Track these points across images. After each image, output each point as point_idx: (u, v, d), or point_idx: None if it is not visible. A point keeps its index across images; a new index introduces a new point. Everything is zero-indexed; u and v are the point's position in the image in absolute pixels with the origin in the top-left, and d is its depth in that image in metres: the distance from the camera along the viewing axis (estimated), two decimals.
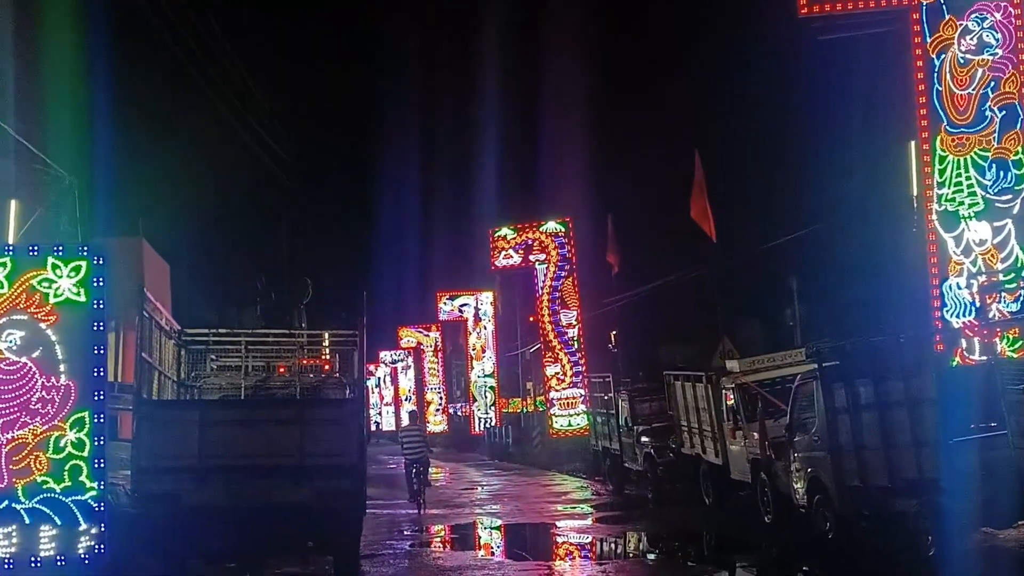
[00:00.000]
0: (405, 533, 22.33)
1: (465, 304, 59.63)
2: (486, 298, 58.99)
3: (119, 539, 13.25)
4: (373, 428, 78.27)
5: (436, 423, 67.89)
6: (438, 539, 21.99)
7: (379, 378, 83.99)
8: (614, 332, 47.69)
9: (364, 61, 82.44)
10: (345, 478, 14.88)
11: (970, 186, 20.65)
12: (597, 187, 48.90)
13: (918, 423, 15.12)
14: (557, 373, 41.04)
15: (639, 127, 50.47)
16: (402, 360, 76.09)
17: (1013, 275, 19.62)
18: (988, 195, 20.64)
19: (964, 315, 20.38)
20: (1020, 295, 19.85)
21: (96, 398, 12.94)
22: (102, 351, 13.01)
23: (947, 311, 20.59)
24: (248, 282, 44.62)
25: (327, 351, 21.32)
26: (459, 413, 68.22)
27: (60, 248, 13.15)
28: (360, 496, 15.24)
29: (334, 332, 19.82)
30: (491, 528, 23.73)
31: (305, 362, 20.73)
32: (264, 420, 15.33)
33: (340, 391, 19.47)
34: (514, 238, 41.76)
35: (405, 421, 50.97)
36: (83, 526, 12.82)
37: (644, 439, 26.76)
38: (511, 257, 41.81)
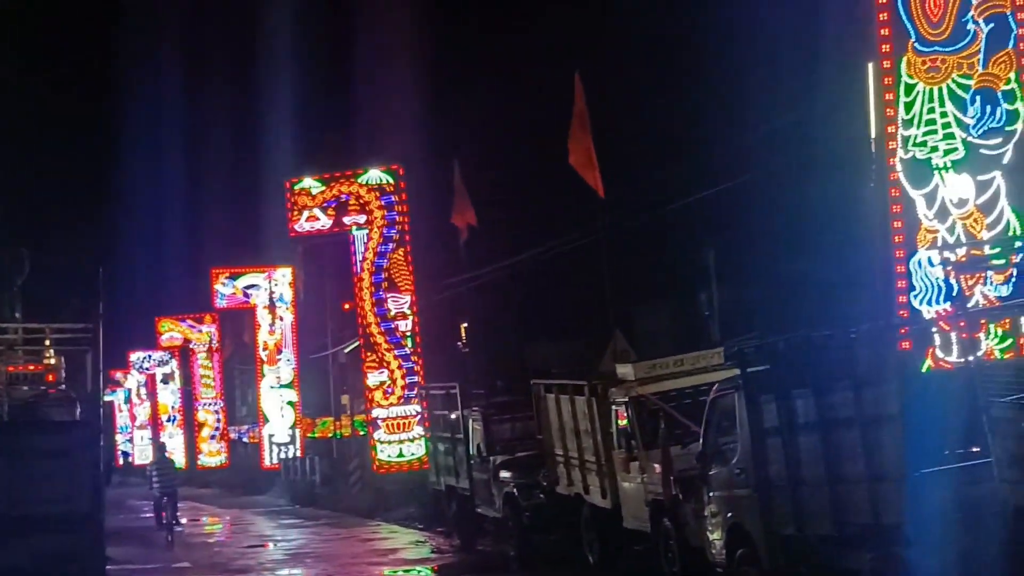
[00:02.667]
0: None
1: (253, 285, 59.20)
2: (283, 277, 58.67)
3: None
4: (120, 462, 77.21)
5: (211, 454, 67.33)
6: None
7: (129, 391, 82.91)
8: (464, 325, 47.83)
9: None
10: (74, 533, 14.71)
11: (946, 125, 21.16)
12: (438, 123, 48.78)
13: (875, 449, 15.46)
14: (383, 382, 41.01)
15: (497, 41, 50.47)
16: (163, 365, 75.21)
17: (1002, 247, 20.16)
18: (970, 138, 21.17)
19: (938, 301, 20.90)
20: (1012, 275, 20.44)
21: None
22: None
23: (916, 296, 21.10)
24: None
25: (52, 353, 20.92)
26: (245, 439, 67.75)
27: None
28: (95, 559, 15.05)
29: (59, 327, 19.43)
30: None
31: (19, 369, 20.29)
32: None
33: (68, 410, 19.12)
34: (321, 193, 41.48)
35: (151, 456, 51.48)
36: None
37: (504, 474, 26.88)
38: (317, 219, 41.54)
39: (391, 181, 41.55)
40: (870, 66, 21.73)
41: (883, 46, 21.35)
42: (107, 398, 70.89)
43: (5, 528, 14.60)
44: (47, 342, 20.33)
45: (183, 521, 37.37)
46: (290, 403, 58.00)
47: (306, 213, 41.46)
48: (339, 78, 58.48)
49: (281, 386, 58.06)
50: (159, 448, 38.20)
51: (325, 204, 41.34)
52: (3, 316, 38.41)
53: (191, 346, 69.78)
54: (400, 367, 41.01)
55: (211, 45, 71.00)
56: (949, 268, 20.08)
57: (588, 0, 45.33)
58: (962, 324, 19.03)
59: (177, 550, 33.27)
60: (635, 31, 42.15)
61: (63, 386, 20.02)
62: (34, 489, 14.73)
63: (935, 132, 21.20)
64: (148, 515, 37.22)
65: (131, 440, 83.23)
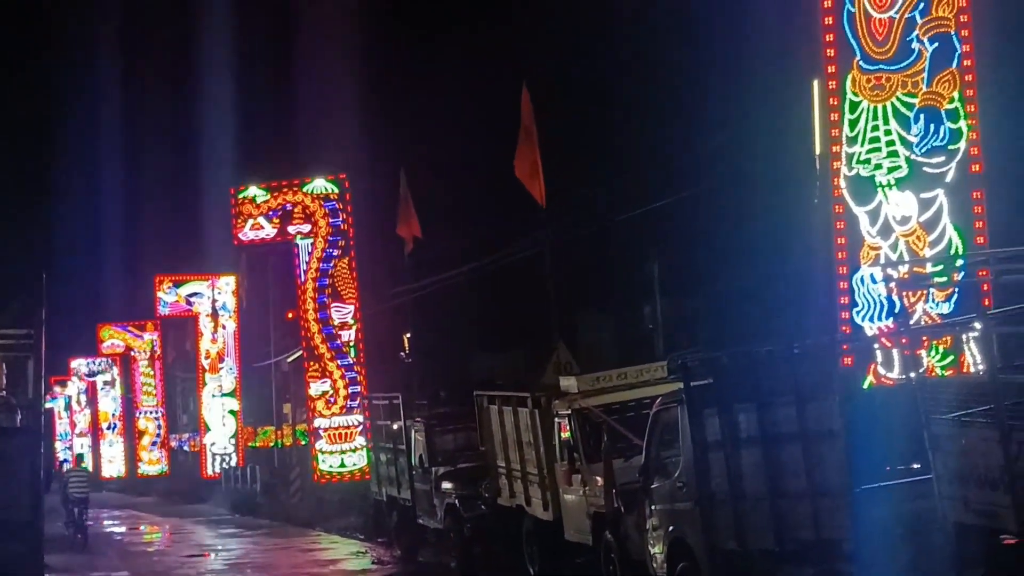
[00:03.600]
0: None
1: (196, 294, 59.00)
2: (226, 285, 58.48)
3: None
4: (60, 469, 76.55)
5: (152, 462, 67.01)
6: None
7: (70, 398, 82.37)
8: (407, 336, 47.76)
9: None
10: (12, 541, 14.62)
11: (890, 143, 21.31)
12: (384, 133, 48.77)
13: (816, 465, 15.53)
14: (326, 392, 40.91)
15: (444, 52, 50.48)
16: (104, 372, 74.77)
17: (944, 265, 20.32)
18: (914, 156, 21.33)
19: (880, 318, 21.04)
20: (953, 292, 20.60)
21: None
22: None
23: (858, 312, 21.22)
24: None
25: None
26: (186, 448, 67.46)
27: None
28: (34, 566, 14.96)
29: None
30: None
31: None
32: None
33: (8, 417, 18.98)
34: (266, 201, 41.34)
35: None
36: None
37: (446, 485, 26.83)
38: (262, 228, 41.37)
39: (336, 191, 41.47)
40: (815, 83, 21.85)
41: (828, 63, 21.49)
42: (47, 405, 70.42)
43: None
44: None
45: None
46: (232, 412, 57.81)
47: (251, 221, 41.27)
48: (284, 87, 58.39)
49: (223, 395, 57.84)
50: (77, 457, 41.10)
51: (270, 213, 41.19)
52: None
53: (132, 354, 69.42)
54: (343, 377, 40.91)
55: (152, 53, 70.87)
56: (892, 285, 20.18)
57: (534, 12, 45.34)
58: (904, 341, 19.22)
59: (114, 558, 33.09)
60: (582, 46, 42.23)
61: (3, 392, 19.87)
62: None
63: (879, 150, 21.34)
64: (88, 523, 37.14)
65: (70, 447, 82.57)
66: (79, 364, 76.45)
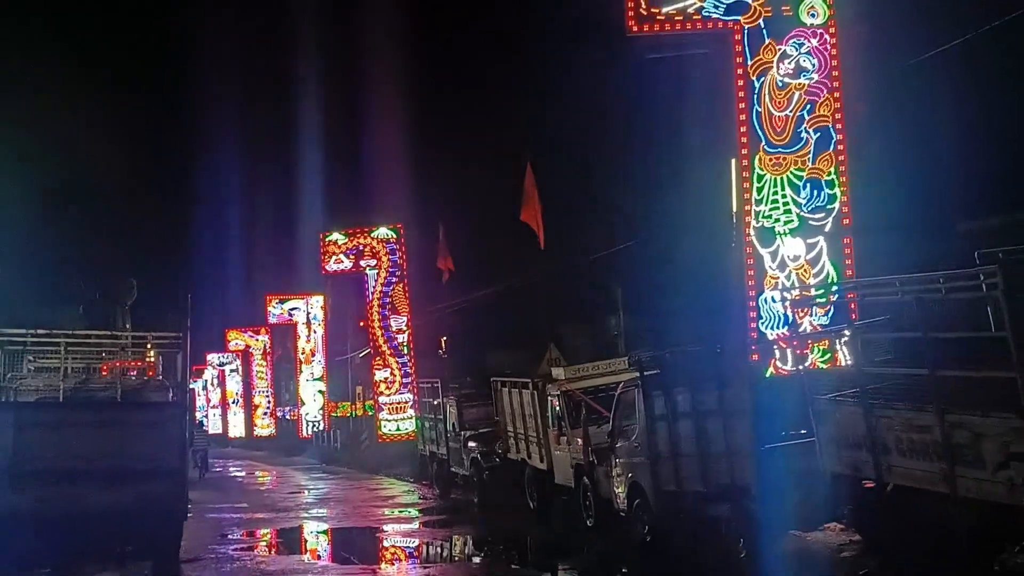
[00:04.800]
0: (230, 537, 21.94)
1: (295, 308, 58.95)
2: (316, 302, 58.41)
3: None
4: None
5: (263, 427, 66.94)
6: (263, 543, 21.66)
7: (206, 380, 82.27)
8: (444, 338, 47.74)
9: (174, 51, 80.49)
10: (166, 480, 14.67)
11: (786, 204, 21.33)
12: (429, 194, 48.79)
13: (732, 431, 15.58)
14: (386, 378, 40.86)
15: (472, 135, 50.53)
16: (230, 363, 74.67)
17: (824, 289, 20.34)
18: (802, 213, 21.35)
19: (778, 327, 21.05)
20: (830, 309, 20.62)
21: None
22: None
23: (763, 323, 21.21)
24: (69, 283, 43.11)
25: (152, 354, 20.82)
26: (287, 417, 67.44)
27: None
28: (180, 499, 15.03)
29: (158, 335, 19.34)
30: (317, 532, 23.52)
31: (128, 364, 20.18)
32: (82, 423, 14.99)
33: (163, 394, 19.05)
34: (345, 243, 41.41)
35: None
36: None
37: (471, 444, 26.82)
38: (342, 262, 41.44)
39: (395, 235, 41.53)
40: (733, 161, 21.91)
41: (742, 147, 21.53)
42: (190, 386, 70.45)
43: (118, 477, 14.56)
44: (149, 346, 20.24)
45: (216, 468, 39.45)
46: (320, 391, 57.81)
47: (333, 257, 41.39)
48: (358, 159, 58.44)
49: (314, 379, 57.85)
50: (199, 423, 47.73)
51: (347, 251, 41.31)
52: (117, 327, 38.15)
53: (250, 350, 69.40)
54: (399, 367, 40.90)
55: (263, 130, 71.56)
56: (787, 304, 20.23)
57: (537, 101, 45.23)
58: (795, 343, 19.26)
59: (237, 494, 33.08)
60: (571, 129, 42.21)
61: (160, 377, 19.96)
62: (138, 449, 14.71)
63: (778, 208, 21.35)
64: (218, 470, 37.12)
65: (206, 416, 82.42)
66: (213, 357, 76.44)
